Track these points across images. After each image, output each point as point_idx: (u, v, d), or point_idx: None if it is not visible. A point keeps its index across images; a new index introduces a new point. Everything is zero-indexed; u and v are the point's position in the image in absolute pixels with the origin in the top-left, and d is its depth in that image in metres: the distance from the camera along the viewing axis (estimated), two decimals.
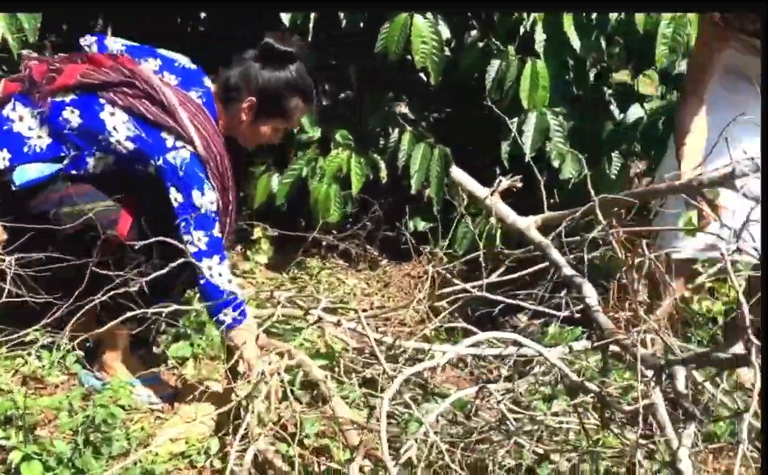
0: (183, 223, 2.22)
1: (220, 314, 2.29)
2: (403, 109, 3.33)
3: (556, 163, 3.11)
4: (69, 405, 2.31)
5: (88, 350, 2.47)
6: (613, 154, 3.26)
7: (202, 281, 2.25)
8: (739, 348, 1.60)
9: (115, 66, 2.28)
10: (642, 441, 1.96)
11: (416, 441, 1.76)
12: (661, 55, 3.00)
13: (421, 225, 3.28)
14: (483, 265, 2.19)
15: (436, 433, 1.92)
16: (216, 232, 2.26)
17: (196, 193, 2.21)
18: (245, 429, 2.11)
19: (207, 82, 2.41)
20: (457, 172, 2.62)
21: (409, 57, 3.05)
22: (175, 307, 2.21)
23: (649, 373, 1.78)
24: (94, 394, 2.38)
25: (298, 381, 2.51)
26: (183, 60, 2.44)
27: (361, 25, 3.19)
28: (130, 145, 2.23)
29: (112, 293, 2.12)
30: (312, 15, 3.13)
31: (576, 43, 2.96)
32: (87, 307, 2.11)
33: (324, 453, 2.32)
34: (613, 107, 3.34)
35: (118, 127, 2.23)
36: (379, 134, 3.29)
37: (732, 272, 1.56)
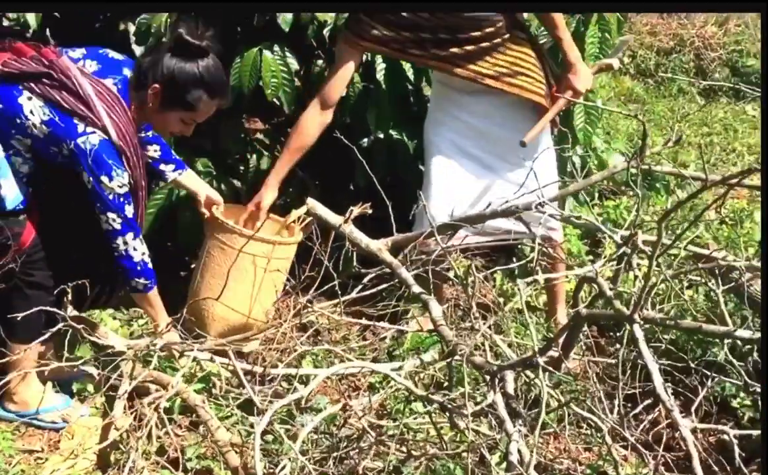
0: (97, 204, 2.40)
1: (132, 281, 2.54)
2: (260, 135, 3.49)
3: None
4: None
5: None
6: None
7: (116, 255, 2.48)
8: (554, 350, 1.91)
9: (36, 56, 2.39)
10: (488, 434, 2.26)
11: (290, 460, 1.97)
12: None
13: None
14: (338, 290, 2.40)
15: (307, 451, 2.15)
16: (129, 211, 2.44)
17: (104, 178, 2.36)
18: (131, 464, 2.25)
19: (126, 71, 2.50)
20: (312, 202, 2.82)
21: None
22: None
23: (488, 377, 2.07)
24: None
25: (177, 406, 2.67)
26: (111, 51, 2.54)
27: None
28: (45, 129, 2.35)
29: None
30: None
31: (410, 73, 3.26)
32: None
33: None
34: None
35: (35, 111, 2.34)
36: (238, 161, 3.45)
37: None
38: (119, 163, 2.38)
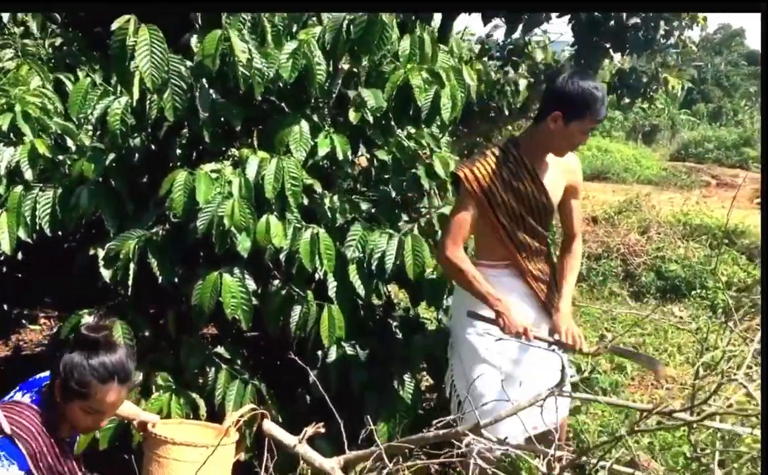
0: None
1: None
2: (220, 348, 3.67)
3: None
4: None
5: None
6: (404, 376, 3.79)
7: None
8: None
9: None
10: None
11: None
12: (427, 296, 3.80)
13: (243, 456, 3.58)
14: None
15: None
16: None
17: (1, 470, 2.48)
18: None
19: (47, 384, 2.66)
20: (267, 424, 2.98)
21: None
22: None
23: None
24: None
25: None
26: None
27: (176, 280, 3.57)
28: None
29: None
30: (131, 271, 3.48)
31: (360, 290, 3.54)
32: None
33: None
34: (399, 336, 3.91)
35: None
36: (197, 375, 3.60)
37: None
38: (11, 456, 2.51)
